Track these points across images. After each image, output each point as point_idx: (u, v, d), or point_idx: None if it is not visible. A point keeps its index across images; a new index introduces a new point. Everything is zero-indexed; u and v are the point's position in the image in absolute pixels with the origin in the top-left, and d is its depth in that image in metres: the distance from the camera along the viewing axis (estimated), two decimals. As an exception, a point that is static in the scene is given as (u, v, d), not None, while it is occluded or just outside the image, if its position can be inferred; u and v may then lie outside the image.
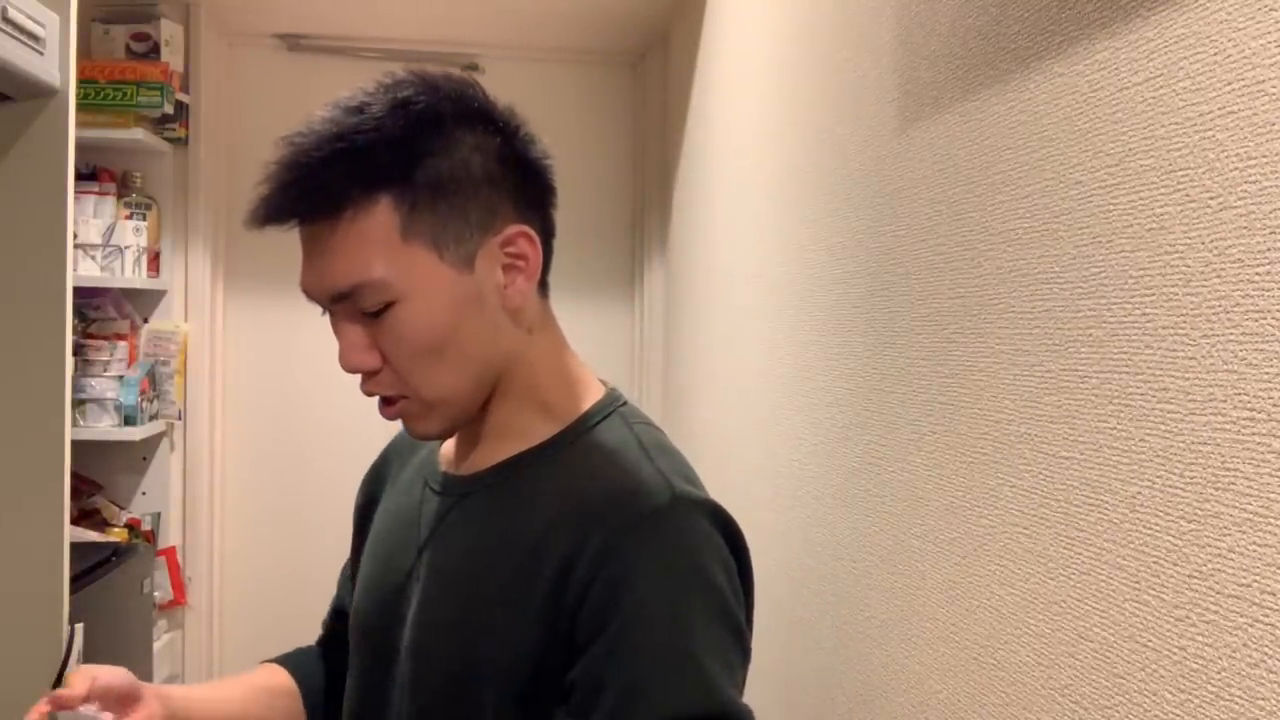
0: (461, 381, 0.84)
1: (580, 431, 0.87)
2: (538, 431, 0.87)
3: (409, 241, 0.80)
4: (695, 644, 0.74)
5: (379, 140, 0.79)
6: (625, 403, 0.92)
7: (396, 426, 0.92)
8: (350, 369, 0.83)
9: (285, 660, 1.07)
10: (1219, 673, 0.60)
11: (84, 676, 0.92)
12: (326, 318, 0.84)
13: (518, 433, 0.87)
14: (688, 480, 0.83)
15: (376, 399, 0.86)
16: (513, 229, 0.83)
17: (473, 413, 0.87)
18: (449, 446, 0.95)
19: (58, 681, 1.35)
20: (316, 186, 0.79)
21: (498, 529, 0.84)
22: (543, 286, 0.88)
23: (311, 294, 0.83)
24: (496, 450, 0.88)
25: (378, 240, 0.79)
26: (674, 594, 0.75)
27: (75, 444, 1.45)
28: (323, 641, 1.09)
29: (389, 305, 0.80)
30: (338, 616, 1.07)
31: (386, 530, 0.96)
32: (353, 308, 0.81)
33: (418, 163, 0.80)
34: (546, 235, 0.87)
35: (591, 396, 0.90)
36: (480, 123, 0.84)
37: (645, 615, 0.75)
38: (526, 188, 0.85)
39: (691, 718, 0.72)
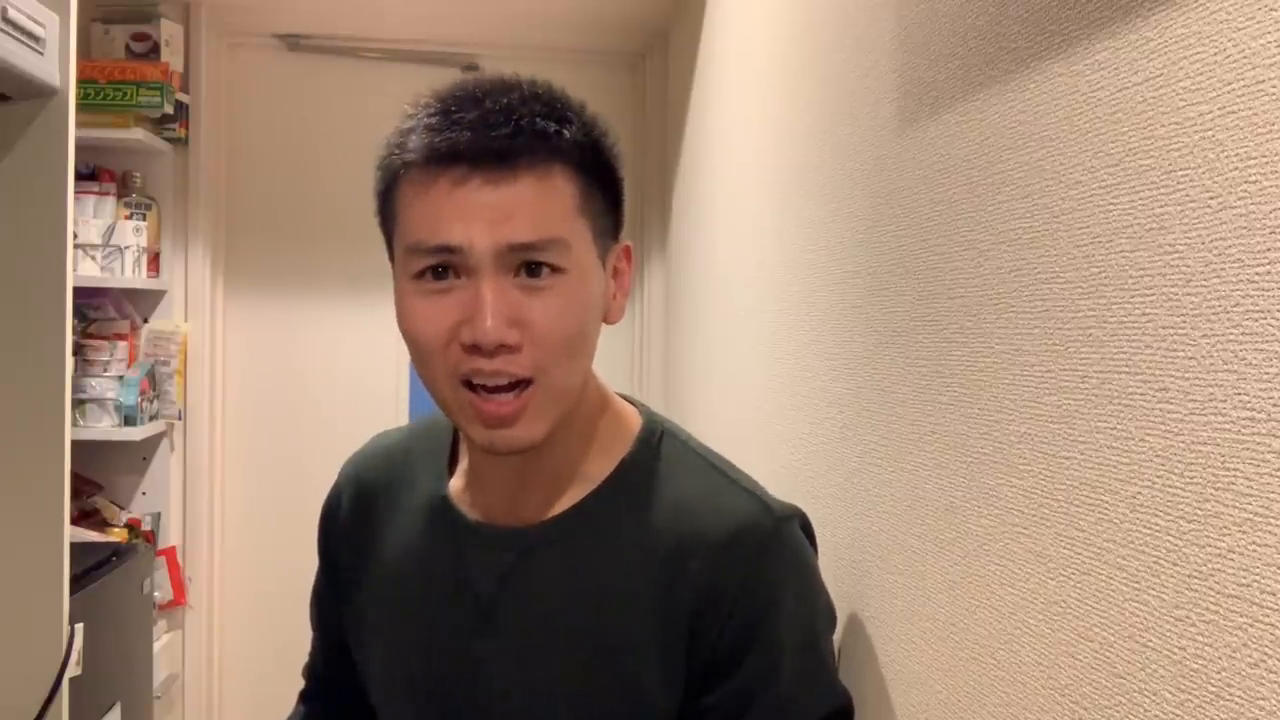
0: (579, 383, 0.83)
1: (640, 464, 0.85)
2: (594, 470, 0.85)
3: (580, 216, 0.80)
4: (823, 658, 0.83)
5: (569, 115, 0.82)
6: (663, 417, 0.91)
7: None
8: (492, 341, 0.77)
9: None
10: (1219, 673, 0.60)
11: None
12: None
13: (574, 474, 0.85)
14: (763, 488, 0.87)
15: (448, 399, 0.81)
16: (629, 243, 0.86)
17: (557, 424, 0.82)
18: (466, 493, 0.89)
19: (57, 682, 1.35)
20: (531, 135, 0.78)
21: (595, 583, 0.82)
22: None
23: (475, 245, 0.77)
24: (554, 496, 0.85)
25: (564, 203, 0.79)
26: (803, 615, 0.82)
27: (75, 444, 1.45)
28: (315, 694, 1.05)
29: (555, 274, 0.78)
30: (336, 661, 1.00)
31: (410, 586, 0.90)
32: (517, 267, 0.78)
33: (598, 150, 0.83)
34: None
35: (632, 421, 0.89)
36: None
37: (781, 643, 0.80)
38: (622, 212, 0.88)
39: (833, 715, 0.83)
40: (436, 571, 0.88)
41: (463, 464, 0.93)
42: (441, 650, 0.87)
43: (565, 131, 0.80)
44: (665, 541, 0.81)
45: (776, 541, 0.82)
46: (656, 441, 0.87)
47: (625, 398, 0.93)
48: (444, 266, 0.79)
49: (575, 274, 0.79)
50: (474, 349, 0.77)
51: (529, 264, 0.78)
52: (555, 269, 0.78)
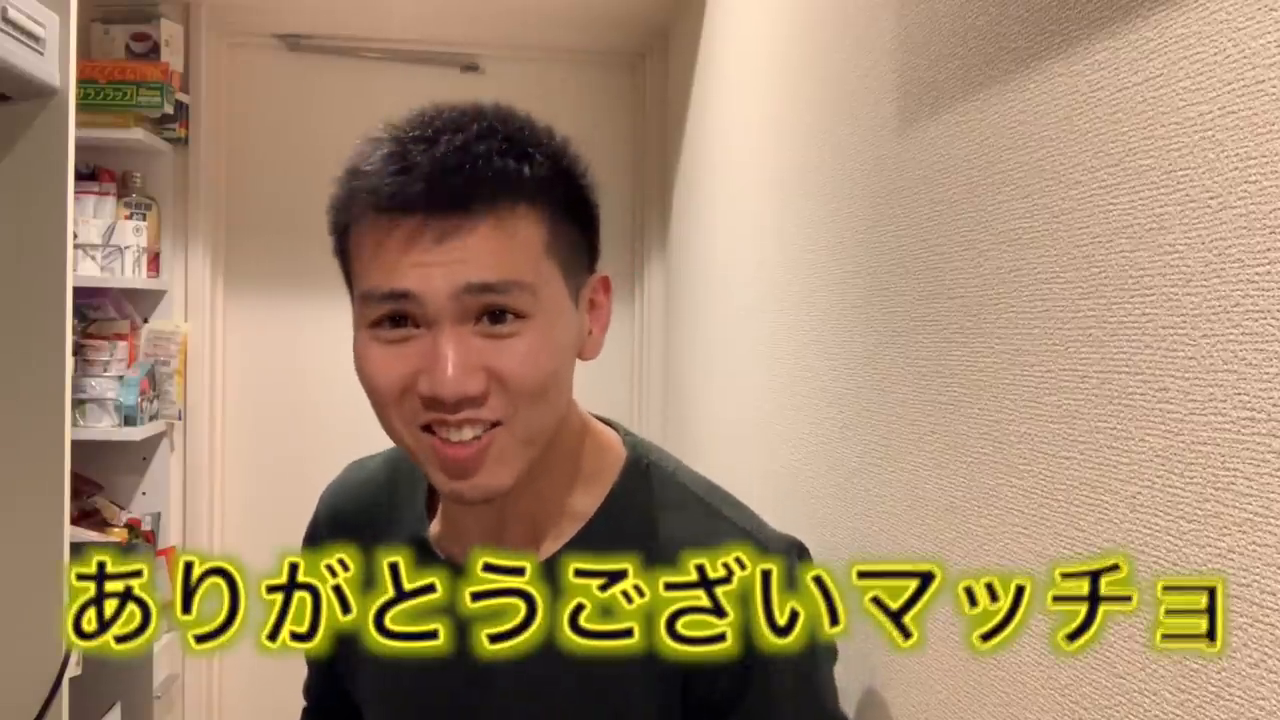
0: (550, 426, 0.78)
1: (629, 496, 0.82)
2: (580, 506, 0.81)
3: (548, 257, 0.75)
4: (822, 694, 0.81)
5: (534, 147, 0.76)
6: (646, 443, 0.87)
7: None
8: (452, 394, 0.72)
9: None
10: (1219, 673, 0.60)
11: None
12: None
13: (559, 512, 0.81)
14: (759, 521, 0.84)
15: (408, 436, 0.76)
16: (604, 275, 0.82)
17: (525, 472, 0.78)
18: (448, 537, 0.86)
19: (57, 682, 1.34)
20: (489, 178, 0.73)
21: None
22: None
23: (431, 291, 0.72)
24: (540, 538, 0.81)
25: (528, 245, 0.74)
26: (800, 658, 0.78)
27: (75, 444, 1.45)
28: (315, 714, 1.04)
29: (521, 319, 0.73)
30: (329, 689, 0.99)
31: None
32: (479, 314, 0.73)
33: (567, 181, 0.78)
34: None
35: (614, 448, 0.84)
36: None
37: (779, 684, 0.78)
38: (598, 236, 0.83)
39: None
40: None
41: (442, 506, 0.89)
42: (435, 706, 0.84)
43: (528, 168, 0.75)
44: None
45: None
46: (643, 470, 0.83)
47: (602, 420, 0.89)
48: (401, 315, 0.74)
49: (543, 319, 0.74)
50: (433, 402, 0.73)
51: (491, 311, 0.73)
52: (520, 314, 0.73)
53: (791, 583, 0.76)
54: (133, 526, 2.69)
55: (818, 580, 0.78)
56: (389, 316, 0.75)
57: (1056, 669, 0.77)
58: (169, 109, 2.64)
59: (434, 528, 0.88)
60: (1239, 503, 0.58)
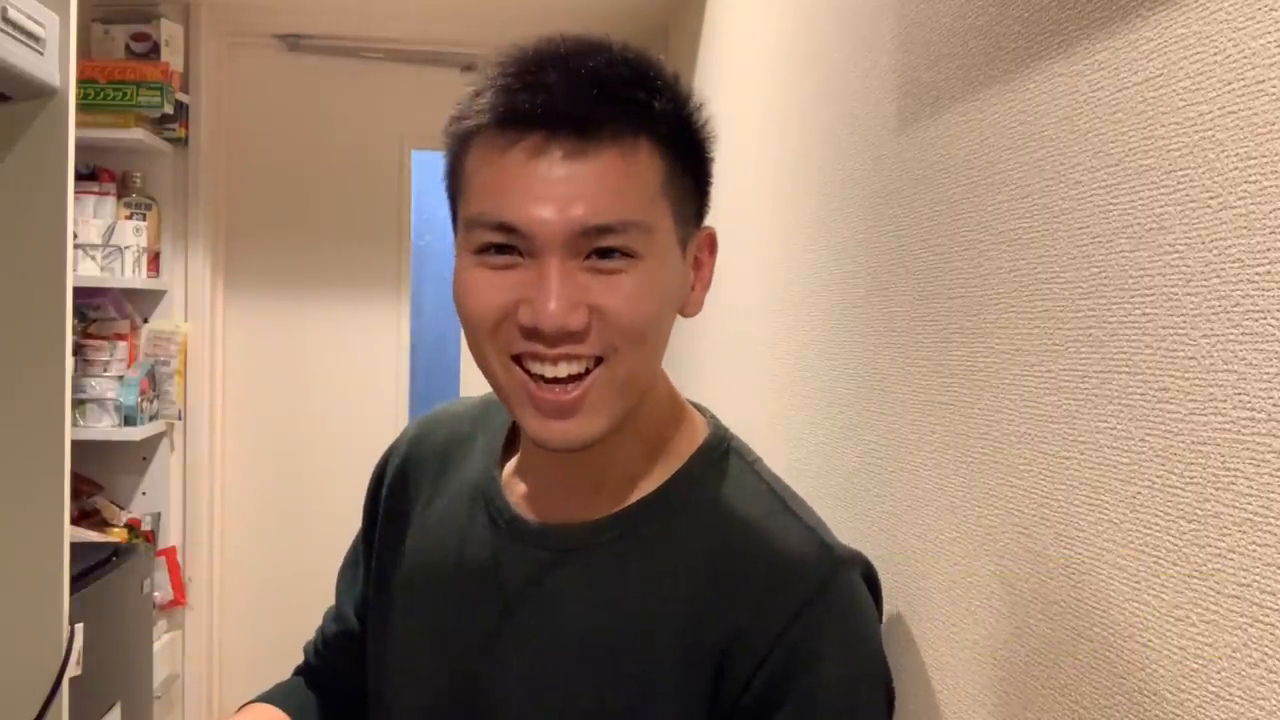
0: (648, 376, 0.76)
1: (698, 477, 0.78)
2: (648, 475, 0.78)
3: (664, 198, 0.73)
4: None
5: (666, 89, 0.74)
6: (733, 434, 0.83)
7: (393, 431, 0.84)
8: (554, 326, 0.69)
9: (275, 699, 0.94)
10: (1219, 673, 0.60)
11: None
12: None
13: (625, 476, 0.78)
14: (826, 528, 0.79)
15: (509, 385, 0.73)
16: (712, 230, 0.79)
17: (620, 422, 0.75)
18: (516, 480, 0.83)
19: (58, 682, 1.34)
20: (617, 103, 0.71)
21: (625, 598, 0.74)
22: None
23: (544, 228, 0.69)
24: (600, 497, 0.78)
25: (646, 183, 0.72)
26: (844, 679, 0.71)
27: (75, 444, 1.45)
28: (311, 670, 0.98)
29: (630, 258, 0.71)
30: (340, 641, 0.95)
31: (438, 569, 0.83)
32: (589, 250, 0.70)
33: (689, 126, 0.76)
34: None
35: (697, 430, 0.81)
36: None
37: (819, 703, 0.70)
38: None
39: None
40: (470, 559, 0.81)
41: (522, 447, 0.86)
42: (456, 647, 0.79)
43: (655, 103, 0.72)
44: (706, 567, 0.73)
45: (831, 589, 0.72)
46: (720, 457, 0.80)
47: (696, 406, 0.86)
48: (508, 244, 0.72)
49: (652, 260, 0.72)
50: (533, 333, 0.70)
51: (601, 248, 0.71)
52: (630, 254, 0.71)
53: (851, 597, 0.73)
54: (133, 526, 2.69)
55: (874, 591, 0.76)
56: (495, 245, 0.72)
57: (1056, 669, 0.77)
58: (169, 109, 2.64)
59: (507, 468, 0.85)
60: (1239, 503, 0.58)
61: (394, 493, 0.91)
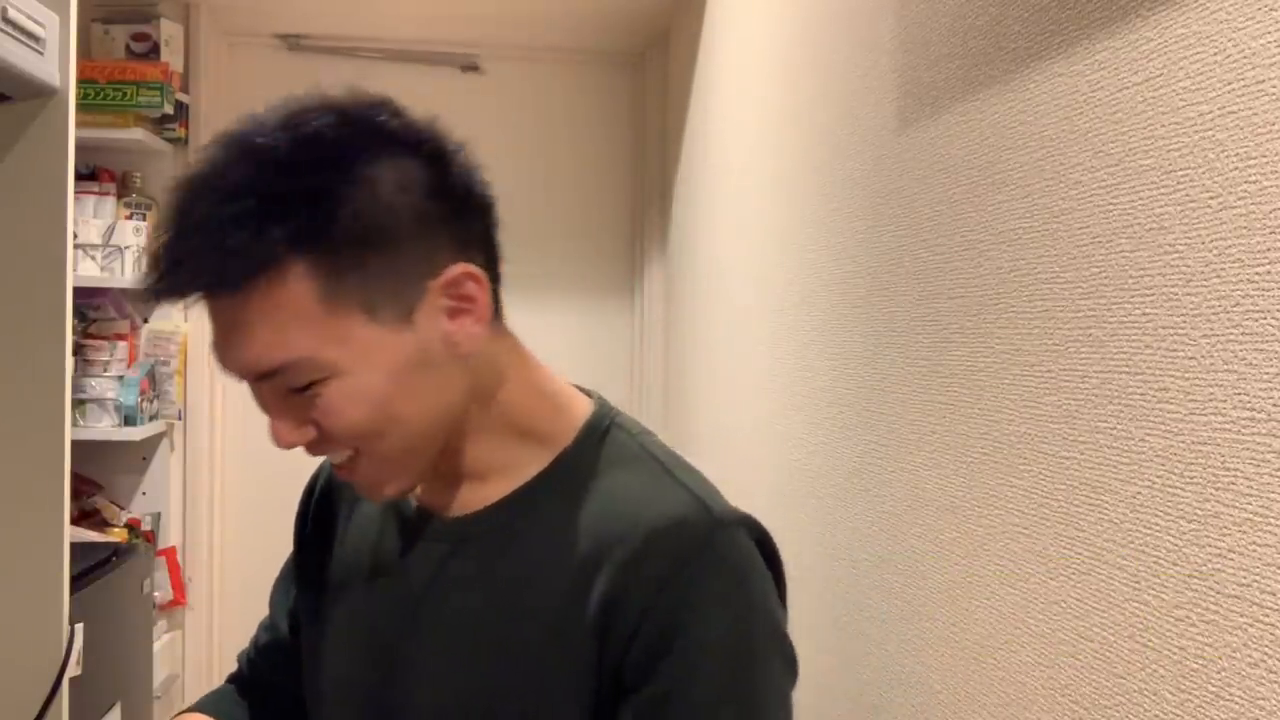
0: (415, 442, 0.74)
1: (580, 455, 0.78)
2: (529, 463, 0.78)
3: (334, 309, 0.68)
4: (754, 684, 0.71)
5: (285, 194, 0.67)
6: (617, 413, 0.83)
7: None
8: (286, 445, 0.73)
9: (206, 707, 0.95)
10: (1219, 673, 0.60)
11: None
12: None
13: (506, 468, 0.78)
14: (715, 492, 0.77)
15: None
16: (456, 269, 0.72)
17: (431, 465, 0.77)
18: (424, 485, 0.84)
19: (58, 682, 1.34)
20: (214, 258, 0.66)
21: (515, 577, 0.75)
22: (498, 308, 0.78)
23: (230, 370, 0.71)
24: (487, 488, 0.79)
25: (296, 312, 0.67)
26: (728, 632, 0.70)
27: (75, 444, 1.44)
28: (242, 678, 0.99)
29: (319, 382, 0.69)
30: (270, 650, 0.97)
31: (357, 574, 0.85)
32: (279, 386, 0.71)
33: (333, 216, 0.67)
34: (492, 261, 0.77)
35: (579, 411, 0.80)
36: (402, 152, 0.72)
37: (700, 658, 0.69)
38: (466, 218, 0.74)
39: None
40: (384, 560, 0.83)
41: None
42: (371, 648, 0.81)
43: (276, 229, 0.66)
44: (586, 541, 0.73)
45: (708, 546, 0.71)
46: (602, 434, 0.79)
47: (584, 390, 0.85)
48: None
49: (347, 373, 0.69)
50: None
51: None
52: (315, 380, 0.69)
53: (734, 556, 0.72)
54: (133, 526, 2.69)
55: (770, 560, 0.75)
56: None
57: (1056, 669, 0.77)
58: (169, 109, 2.64)
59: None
60: (1239, 503, 0.58)
61: (321, 506, 0.93)
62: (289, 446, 0.73)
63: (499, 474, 0.79)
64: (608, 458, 0.78)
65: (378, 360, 0.70)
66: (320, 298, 0.68)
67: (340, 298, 0.68)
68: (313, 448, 0.74)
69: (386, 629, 0.80)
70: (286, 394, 0.71)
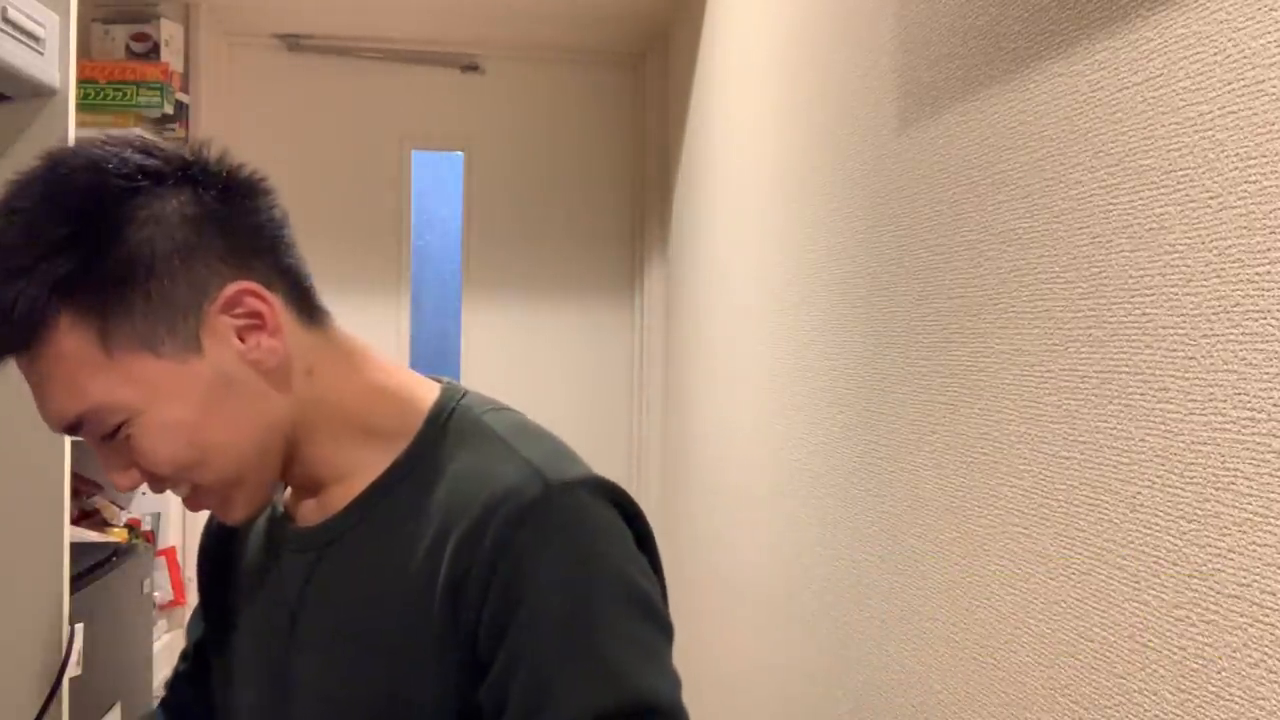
0: (243, 464, 0.75)
1: (426, 444, 0.78)
2: (378, 461, 0.78)
3: (114, 353, 0.69)
4: (598, 636, 0.69)
5: (41, 251, 0.68)
6: (465, 393, 0.82)
7: None
8: (125, 489, 0.76)
9: None
10: (1219, 673, 0.60)
11: None
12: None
13: (356, 469, 0.79)
14: (560, 458, 0.76)
15: None
16: (231, 289, 0.72)
17: (277, 476, 0.78)
18: (290, 499, 0.85)
19: (57, 682, 1.34)
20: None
21: (374, 572, 0.76)
22: (308, 313, 0.78)
23: (49, 425, 0.74)
24: (340, 491, 0.79)
25: (79, 362, 0.69)
26: (568, 589, 0.70)
27: (75, 444, 1.44)
28: (165, 704, 1.00)
29: (125, 424, 0.71)
30: (186, 677, 0.98)
31: (250, 598, 0.86)
32: (92, 433, 0.73)
33: (87, 263, 0.68)
34: (284, 271, 0.76)
35: (423, 401, 0.80)
36: (152, 187, 0.72)
37: (540, 618, 0.69)
38: (235, 233, 0.74)
39: (604, 713, 0.67)
40: (266, 583, 0.83)
41: None
42: (266, 665, 0.82)
43: (36, 287, 0.67)
44: (434, 524, 0.73)
45: (542, 507, 0.70)
46: (445, 419, 0.79)
47: (435, 378, 0.85)
48: None
49: (145, 411, 0.71)
50: None
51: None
52: (121, 423, 0.71)
53: (569, 517, 0.71)
54: (133, 526, 2.69)
55: (632, 520, 0.74)
56: None
57: (1056, 669, 0.77)
58: (169, 109, 2.64)
59: (287, 498, 0.88)
60: (1239, 503, 0.58)
61: (218, 538, 0.93)
62: (128, 489, 0.75)
63: (350, 476, 0.79)
64: (453, 441, 0.78)
65: (174, 393, 0.71)
66: (97, 343, 0.69)
67: (117, 340, 0.69)
68: (153, 487, 0.75)
69: (274, 646, 0.81)
70: (102, 441, 0.73)
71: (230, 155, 0.76)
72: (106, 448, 0.73)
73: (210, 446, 0.73)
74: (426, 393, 0.81)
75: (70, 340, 0.69)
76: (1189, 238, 0.63)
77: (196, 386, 0.72)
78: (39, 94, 1.37)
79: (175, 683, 1.00)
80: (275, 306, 0.74)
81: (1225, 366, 0.60)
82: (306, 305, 0.78)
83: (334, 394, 0.78)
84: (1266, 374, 0.56)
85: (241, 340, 0.73)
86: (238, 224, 0.74)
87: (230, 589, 0.89)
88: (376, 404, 0.80)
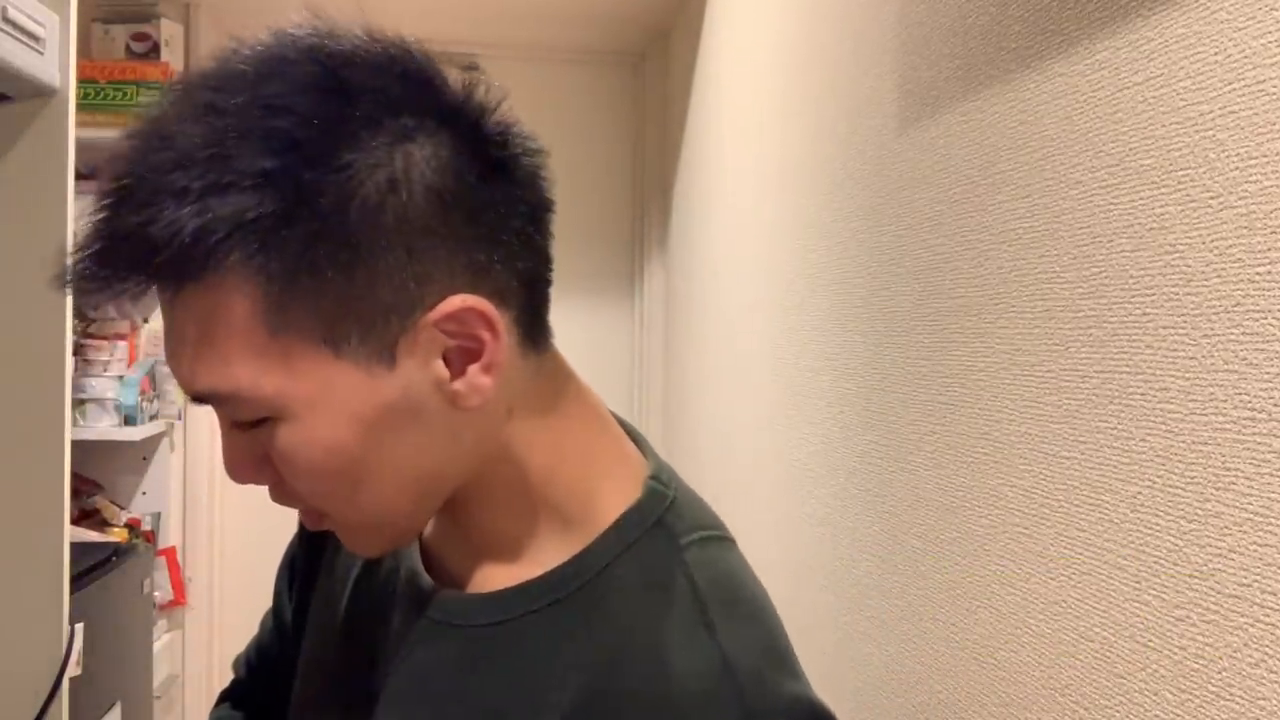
0: (398, 503, 0.59)
1: (606, 557, 0.60)
2: (548, 550, 0.61)
3: (279, 335, 0.52)
4: None
5: (233, 181, 0.49)
6: (673, 499, 0.63)
7: None
8: (239, 482, 0.59)
9: None
10: (1219, 673, 0.60)
11: None
12: None
13: (518, 548, 0.62)
14: (771, 659, 0.60)
15: None
16: (455, 302, 0.54)
17: (422, 528, 0.63)
18: (431, 532, 0.69)
19: (58, 682, 1.35)
20: (140, 243, 0.49)
21: (489, 690, 0.60)
22: (532, 338, 0.59)
23: (177, 380, 0.56)
24: (494, 569, 0.62)
25: (233, 330, 0.52)
26: None
27: (75, 444, 1.44)
28: (240, 687, 0.87)
29: (265, 420, 0.55)
30: (269, 656, 0.84)
31: (343, 611, 0.71)
32: (223, 413, 0.56)
33: (292, 216, 0.50)
34: (524, 280, 0.58)
35: (624, 492, 0.62)
36: (407, 128, 0.54)
37: None
38: (484, 223, 0.55)
39: None
40: (374, 608, 0.69)
41: None
42: (343, 698, 0.68)
43: (218, 223, 0.49)
44: (584, 679, 0.57)
45: None
46: (643, 533, 0.61)
47: (642, 446, 0.67)
48: None
49: (299, 415, 0.54)
50: None
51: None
52: (261, 420, 0.55)
53: None
54: (133, 526, 2.69)
55: None
56: None
57: (1056, 669, 0.77)
58: (169, 109, 2.64)
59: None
60: (1239, 503, 0.58)
61: (313, 535, 0.80)
62: (243, 482, 0.59)
63: (507, 553, 0.63)
64: (637, 571, 0.60)
65: (342, 406, 0.54)
66: (263, 315, 0.52)
67: (291, 319, 0.52)
68: (275, 496, 0.60)
69: (356, 684, 0.67)
70: (234, 426, 0.57)
71: (508, 104, 0.58)
72: (237, 435, 0.57)
73: (364, 482, 0.57)
74: (629, 482, 0.63)
75: (233, 299, 0.51)
76: (1189, 237, 0.63)
77: (372, 406, 0.54)
78: (39, 94, 1.37)
79: (255, 661, 0.87)
80: (501, 335, 0.55)
81: (1226, 366, 0.60)
82: (535, 326, 0.60)
83: (523, 447, 0.61)
84: (1267, 374, 0.56)
85: (446, 366, 0.55)
86: (492, 210, 0.55)
87: (315, 594, 0.76)
88: (571, 481, 0.62)
